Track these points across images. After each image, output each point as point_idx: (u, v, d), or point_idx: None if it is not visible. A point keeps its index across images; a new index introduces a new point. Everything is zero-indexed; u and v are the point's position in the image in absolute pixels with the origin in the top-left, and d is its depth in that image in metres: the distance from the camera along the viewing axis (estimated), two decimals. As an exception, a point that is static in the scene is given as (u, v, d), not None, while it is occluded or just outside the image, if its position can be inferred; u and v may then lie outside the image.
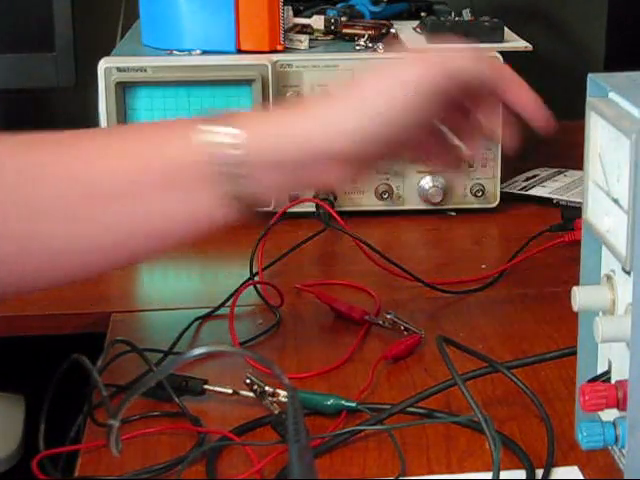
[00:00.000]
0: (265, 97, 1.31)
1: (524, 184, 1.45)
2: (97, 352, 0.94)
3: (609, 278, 0.78)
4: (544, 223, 1.27)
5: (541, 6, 1.83)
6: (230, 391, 0.93)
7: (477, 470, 0.82)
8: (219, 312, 1.10)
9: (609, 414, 0.78)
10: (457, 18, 1.42)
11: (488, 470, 0.79)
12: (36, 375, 0.97)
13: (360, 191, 1.36)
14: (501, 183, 1.38)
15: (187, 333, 1.05)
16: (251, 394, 0.92)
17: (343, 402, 0.91)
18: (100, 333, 1.06)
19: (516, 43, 1.37)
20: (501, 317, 1.09)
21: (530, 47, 1.36)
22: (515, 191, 1.42)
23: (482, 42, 1.35)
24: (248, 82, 1.31)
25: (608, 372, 0.81)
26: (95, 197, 0.83)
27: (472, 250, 1.29)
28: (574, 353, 0.85)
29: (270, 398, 0.91)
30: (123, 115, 1.32)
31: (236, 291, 1.10)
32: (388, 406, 0.90)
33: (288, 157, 0.84)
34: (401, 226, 1.35)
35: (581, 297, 0.78)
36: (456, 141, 0.93)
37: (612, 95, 0.76)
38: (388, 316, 1.06)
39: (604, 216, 0.76)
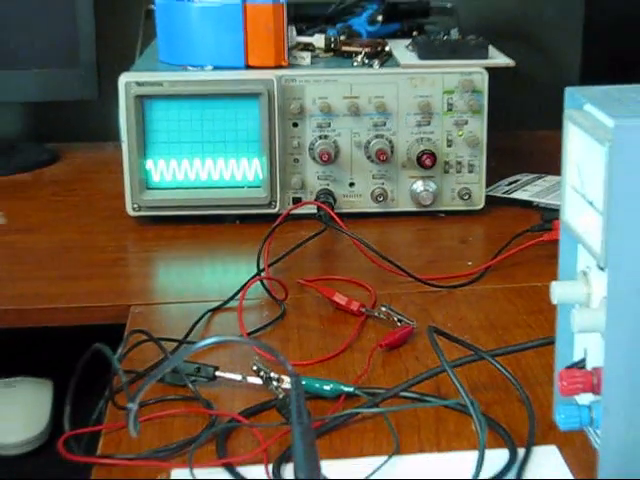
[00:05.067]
0: (271, 109, 1.31)
1: (507, 188, 1.44)
2: (118, 341, 0.95)
3: (585, 274, 0.78)
4: (525, 224, 1.27)
5: (522, 26, 1.83)
6: (239, 377, 0.93)
7: (464, 449, 0.82)
8: (229, 305, 1.09)
9: (585, 398, 0.78)
10: (446, 37, 1.42)
11: (474, 449, 0.79)
12: (63, 362, 0.96)
13: (357, 194, 1.36)
14: (486, 187, 1.38)
15: (200, 324, 1.05)
16: (258, 380, 0.92)
17: (342, 387, 0.90)
18: (120, 324, 1.06)
19: (500, 60, 1.37)
20: (486, 309, 1.09)
21: (512, 63, 1.35)
22: (499, 194, 1.42)
23: (469, 59, 1.35)
24: (255, 95, 1.31)
25: (584, 360, 0.80)
26: None
27: (459, 248, 1.29)
28: (553, 342, 0.85)
29: (275, 383, 0.90)
30: (142, 125, 1.32)
31: (244, 286, 1.10)
32: (383, 391, 0.90)
33: None
34: (395, 226, 1.35)
35: (559, 291, 0.78)
36: None
37: (588, 107, 0.76)
38: (383, 308, 1.05)
39: (580, 217, 0.76)
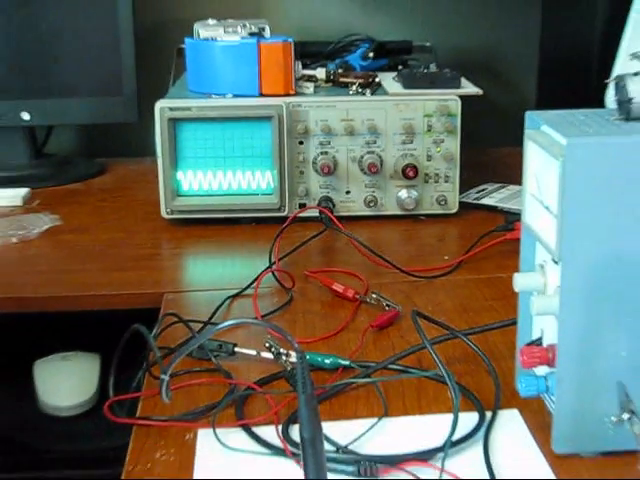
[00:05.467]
0: (281, 129, 1.30)
1: (476, 195, 1.44)
2: (153, 322, 0.94)
3: (542, 266, 0.78)
4: (492, 225, 1.26)
5: (489, 61, 1.82)
6: (254, 352, 0.92)
7: (441, 412, 0.82)
8: (246, 292, 1.09)
9: (542, 370, 0.78)
10: (425, 70, 1.42)
11: (450, 412, 0.79)
12: (109, 339, 0.96)
13: (352, 200, 1.36)
14: (459, 194, 1.37)
15: (221, 308, 1.04)
16: (270, 355, 0.91)
17: (340, 360, 0.90)
18: (155, 308, 1.05)
19: (470, 89, 1.36)
20: (459, 296, 1.09)
21: (480, 92, 1.35)
22: (469, 200, 1.42)
23: (444, 88, 1.35)
24: (268, 118, 1.30)
25: (541, 338, 0.80)
26: None
27: (437, 245, 1.28)
28: (515, 323, 0.85)
29: (284, 358, 0.90)
30: (174, 143, 1.31)
31: (258, 276, 1.09)
32: (374, 364, 0.89)
33: None
34: (383, 227, 1.34)
35: (520, 281, 0.78)
36: None
37: (544, 127, 0.75)
38: (374, 295, 1.05)
39: (538, 219, 0.76)
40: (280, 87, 1.33)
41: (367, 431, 0.79)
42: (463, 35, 1.80)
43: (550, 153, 0.71)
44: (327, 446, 0.71)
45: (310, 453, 0.60)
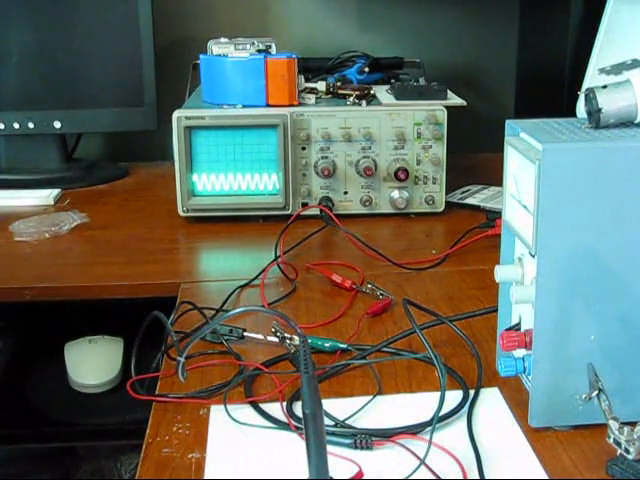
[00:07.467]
0: (285, 136, 1.30)
1: (461, 195, 1.43)
2: (171, 309, 0.94)
3: (520, 259, 0.77)
4: (475, 222, 1.26)
5: (472, 75, 1.82)
6: (261, 336, 0.92)
7: (429, 390, 0.82)
8: (254, 282, 1.08)
9: (519, 352, 0.78)
10: (415, 83, 1.42)
11: (437, 390, 0.78)
12: (131, 325, 0.96)
13: (350, 200, 1.35)
14: (445, 195, 1.36)
15: (232, 297, 1.04)
16: (275, 339, 0.91)
17: (338, 344, 0.90)
18: (173, 297, 1.05)
19: (455, 100, 1.36)
20: (446, 286, 1.08)
21: (464, 103, 1.35)
22: (455, 200, 1.41)
23: (432, 99, 1.34)
24: (274, 126, 1.30)
25: (519, 324, 0.80)
26: None
27: (426, 240, 1.28)
28: (495, 310, 0.84)
29: (288, 341, 0.90)
30: (189, 148, 1.31)
31: (265, 268, 1.09)
32: (369, 347, 0.89)
33: None
34: (378, 224, 1.34)
35: (501, 272, 0.78)
36: None
37: (522, 135, 0.75)
38: (369, 285, 1.05)
39: (517, 217, 0.75)
40: (285, 98, 1.32)
41: (363, 407, 0.78)
42: (449, 52, 1.80)
43: (527, 157, 0.71)
44: (327, 421, 0.71)
45: (311, 427, 0.60)
